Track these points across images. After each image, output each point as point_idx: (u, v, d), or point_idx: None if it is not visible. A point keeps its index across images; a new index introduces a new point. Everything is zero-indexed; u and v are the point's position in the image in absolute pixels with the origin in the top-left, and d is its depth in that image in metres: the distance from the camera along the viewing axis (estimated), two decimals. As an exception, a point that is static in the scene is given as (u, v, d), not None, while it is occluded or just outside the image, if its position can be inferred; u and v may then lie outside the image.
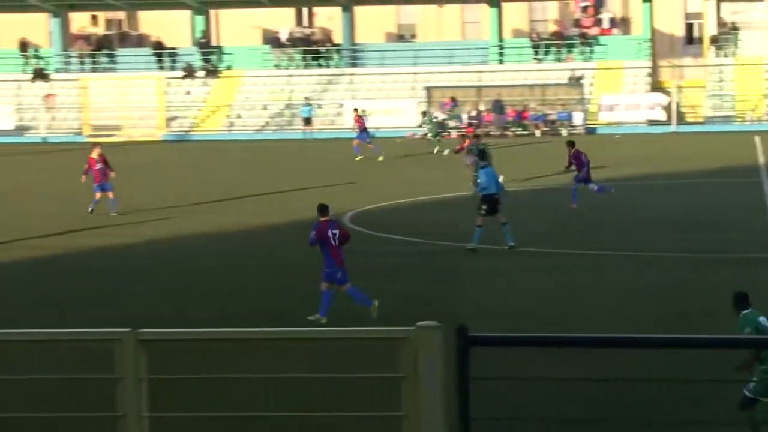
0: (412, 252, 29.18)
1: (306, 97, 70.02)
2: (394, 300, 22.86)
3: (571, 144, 38.04)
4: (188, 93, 78.54)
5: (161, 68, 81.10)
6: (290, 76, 77.85)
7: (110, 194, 36.45)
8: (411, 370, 7.86)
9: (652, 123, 71.47)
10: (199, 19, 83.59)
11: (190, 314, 22.06)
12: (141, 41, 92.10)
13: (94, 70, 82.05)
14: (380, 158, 53.76)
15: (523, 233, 30.05)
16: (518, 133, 70.19)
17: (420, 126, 59.63)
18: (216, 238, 31.99)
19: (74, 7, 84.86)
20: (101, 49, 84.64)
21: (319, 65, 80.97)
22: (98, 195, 36.46)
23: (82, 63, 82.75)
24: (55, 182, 47.65)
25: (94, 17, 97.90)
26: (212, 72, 79.80)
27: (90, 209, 36.21)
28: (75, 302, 23.85)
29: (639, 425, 14.95)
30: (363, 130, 56.81)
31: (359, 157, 54.27)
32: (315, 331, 8.78)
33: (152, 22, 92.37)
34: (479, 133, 39.95)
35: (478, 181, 29.04)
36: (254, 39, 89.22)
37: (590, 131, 70.31)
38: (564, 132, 69.44)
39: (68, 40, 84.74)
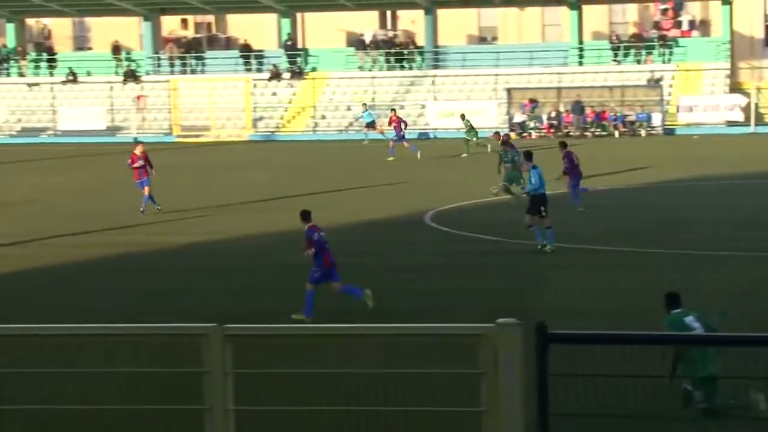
0: (494, 251, 29.07)
1: (364, 104, 69.94)
2: (476, 297, 22.82)
3: (563, 144, 37.44)
4: (274, 94, 78.92)
5: (248, 70, 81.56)
6: (373, 77, 77.93)
7: (146, 190, 36.52)
8: (490, 367, 7.82)
9: (731, 124, 70.62)
10: (286, 23, 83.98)
11: (271, 310, 22.11)
12: (229, 44, 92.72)
13: (183, 72, 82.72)
14: (418, 155, 53.88)
15: (608, 231, 29.79)
16: (597, 133, 69.76)
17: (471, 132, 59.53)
18: (287, 237, 32.08)
19: (165, 11, 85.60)
20: (191, 52, 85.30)
21: (402, 67, 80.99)
22: (145, 191, 36.67)
23: (172, 65, 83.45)
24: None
25: (184, 21, 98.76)
26: (298, 74, 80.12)
27: (141, 209, 36.32)
28: (159, 297, 24.03)
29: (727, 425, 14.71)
30: (400, 130, 56.92)
31: (391, 158, 54.27)
32: (396, 327, 8.76)
33: (240, 26, 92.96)
34: (507, 140, 39.67)
35: (531, 181, 28.86)
36: (339, 41, 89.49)
37: (669, 132, 69.74)
38: (643, 133, 68.92)
39: (159, 43, 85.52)
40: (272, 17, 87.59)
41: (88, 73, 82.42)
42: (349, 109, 76.58)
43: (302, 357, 9.11)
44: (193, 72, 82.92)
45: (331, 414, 9.44)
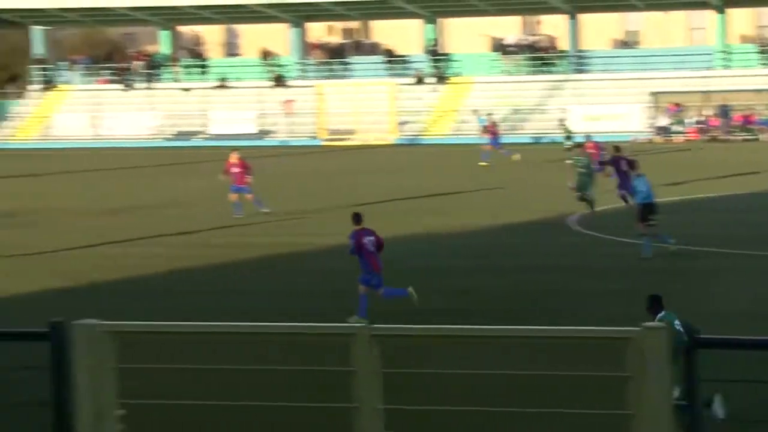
0: (633, 254, 28.71)
1: (475, 110, 69.68)
2: (624, 299, 22.60)
3: (616, 149, 36.68)
4: (419, 99, 79.13)
5: (393, 75, 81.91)
6: (516, 82, 77.60)
7: (249, 196, 36.72)
8: (637, 370, 7.72)
9: None
10: (429, 28, 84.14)
11: (410, 311, 22.12)
12: (374, 49, 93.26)
13: (329, 77, 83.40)
14: (515, 157, 53.54)
15: (758, 234, 29.21)
16: (744, 137, 68.49)
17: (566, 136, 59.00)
18: (417, 239, 32.09)
19: (312, 18, 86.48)
20: (337, 57, 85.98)
21: (544, 71, 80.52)
22: (234, 197, 36.72)
23: (318, 70, 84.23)
24: (292, 183, 48.61)
25: (330, 27, 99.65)
26: (441, 78, 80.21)
27: (236, 215, 36.48)
28: (302, 297, 24.21)
29: None
30: (495, 136, 56.54)
31: (484, 163, 53.90)
32: (542, 330, 8.71)
33: (385, 31, 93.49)
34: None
35: (638, 189, 28.36)
36: (481, 46, 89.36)
37: (817, 136, 68.19)
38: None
39: (306, 48, 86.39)
40: (416, 23, 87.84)
41: (238, 79, 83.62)
42: (491, 114, 76.39)
43: (444, 358, 9.11)
44: (338, 77, 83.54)
45: (477, 414, 9.41)
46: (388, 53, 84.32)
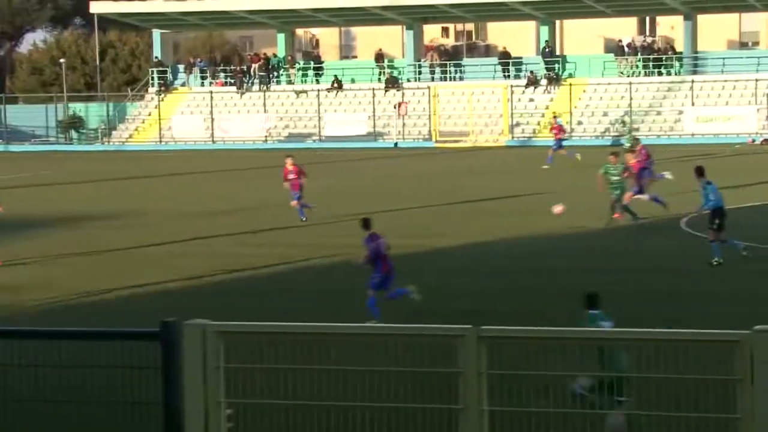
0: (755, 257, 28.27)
1: (554, 112, 68.94)
2: (729, 302, 22.27)
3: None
4: (531, 100, 78.74)
5: (506, 77, 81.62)
6: (630, 83, 76.79)
7: (294, 203, 36.55)
8: (746, 373, 7.60)
9: None
10: (544, 30, 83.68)
11: (521, 311, 22.00)
12: (488, 51, 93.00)
13: (443, 79, 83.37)
14: (578, 157, 52.94)
15: None
16: None
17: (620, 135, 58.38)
18: (527, 241, 31.90)
19: (427, 20, 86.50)
20: (451, 59, 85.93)
21: (660, 73, 79.58)
22: (294, 203, 36.57)
23: (432, 72, 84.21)
24: (407, 185, 48.69)
25: (445, 29, 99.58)
26: (555, 80, 79.71)
27: (302, 218, 36.39)
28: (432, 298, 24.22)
29: None
30: (559, 139, 56.00)
31: (546, 166, 53.24)
32: (651, 332, 8.60)
33: (499, 33, 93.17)
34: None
35: (709, 197, 27.97)
36: (596, 48, 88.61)
37: None
38: None
39: (421, 50, 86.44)
40: (531, 24, 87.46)
41: (353, 81, 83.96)
42: (605, 114, 75.75)
43: (547, 358, 9.02)
44: (452, 79, 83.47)
45: (582, 416, 9.33)
46: (503, 55, 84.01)
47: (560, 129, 57.22)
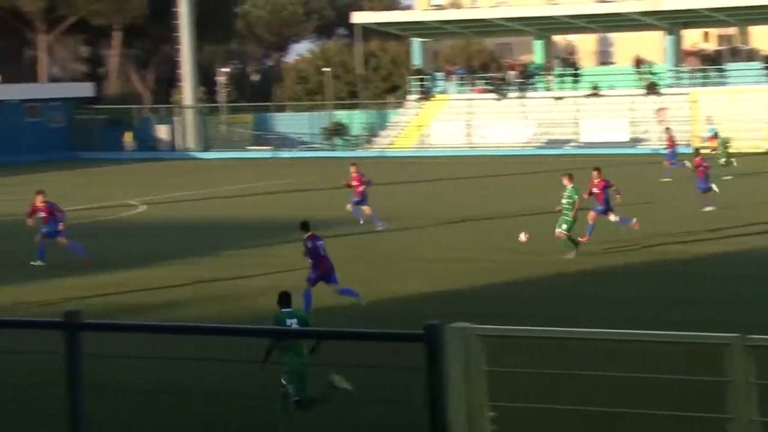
0: None
1: (707, 116, 65.87)
2: None
3: (597, 169, 33.63)
4: (796, 105, 76.13)
5: (771, 81, 79.22)
6: None
7: (366, 209, 37.96)
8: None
9: None
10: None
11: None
12: (751, 55, 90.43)
13: (703, 84, 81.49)
14: (687, 164, 50.37)
15: None
16: None
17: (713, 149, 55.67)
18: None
19: (688, 25, 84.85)
20: (712, 64, 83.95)
21: None
22: (367, 208, 37.73)
23: (692, 78, 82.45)
24: (667, 191, 47.83)
25: (705, 34, 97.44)
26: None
27: (380, 227, 37.03)
28: (680, 304, 23.74)
29: None
30: (673, 150, 54.07)
31: (666, 179, 50.62)
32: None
33: (763, 37, 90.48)
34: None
35: None
36: None
37: None
38: None
39: (680, 56, 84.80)
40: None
41: (611, 87, 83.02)
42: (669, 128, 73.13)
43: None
44: (713, 84, 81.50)
45: None
46: (767, 59, 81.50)
47: (673, 140, 56.03)
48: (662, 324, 20.70)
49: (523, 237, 31.44)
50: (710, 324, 20.41)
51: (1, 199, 50.94)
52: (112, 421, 15.50)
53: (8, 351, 10.99)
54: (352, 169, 39.25)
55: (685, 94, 78.49)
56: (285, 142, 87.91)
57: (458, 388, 7.68)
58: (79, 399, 7.49)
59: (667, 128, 60.53)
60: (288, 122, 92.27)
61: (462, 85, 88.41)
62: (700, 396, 8.47)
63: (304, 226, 24.88)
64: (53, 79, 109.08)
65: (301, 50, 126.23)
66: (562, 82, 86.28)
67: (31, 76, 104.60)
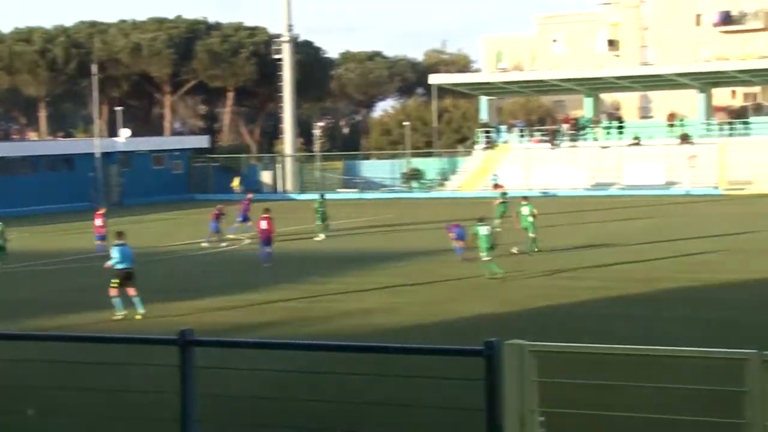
0: None
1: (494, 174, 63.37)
2: None
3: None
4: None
5: (790, 133, 77.99)
6: None
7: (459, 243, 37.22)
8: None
9: None
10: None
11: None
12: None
13: (730, 135, 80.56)
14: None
15: None
16: None
17: None
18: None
19: (717, 84, 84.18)
20: (738, 118, 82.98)
21: None
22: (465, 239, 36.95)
23: (720, 129, 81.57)
24: (700, 226, 47.31)
25: (733, 92, 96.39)
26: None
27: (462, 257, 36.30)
28: (719, 325, 23.43)
29: None
30: None
31: None
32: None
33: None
34: None
35: None
36: None
37: None
38: None
39: (710, 111, 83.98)
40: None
41: (650, 137, 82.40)
42: None
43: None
44: (739, 135, 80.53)
45: None
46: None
47: None
48: (695, 341, 20.47)
49: (515, 249, 32.92)
50: (731, 341, 20.14)
51: (142, 232, 51.46)
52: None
53: (156, 364, 11.11)
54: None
55: (713, 143, 77.65)
56: (369, 185, 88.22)
57: (513, 396, 7.71)
58: (191, 406, 7.60)
59: None
60: (372, 168, 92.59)
61: (522, 136, 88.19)
62: (723, 405, 8.40)
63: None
64: (176, 133, 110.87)
65: (385, 107, 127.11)
66: (609, 133, 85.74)
67: (157, 131, 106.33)
